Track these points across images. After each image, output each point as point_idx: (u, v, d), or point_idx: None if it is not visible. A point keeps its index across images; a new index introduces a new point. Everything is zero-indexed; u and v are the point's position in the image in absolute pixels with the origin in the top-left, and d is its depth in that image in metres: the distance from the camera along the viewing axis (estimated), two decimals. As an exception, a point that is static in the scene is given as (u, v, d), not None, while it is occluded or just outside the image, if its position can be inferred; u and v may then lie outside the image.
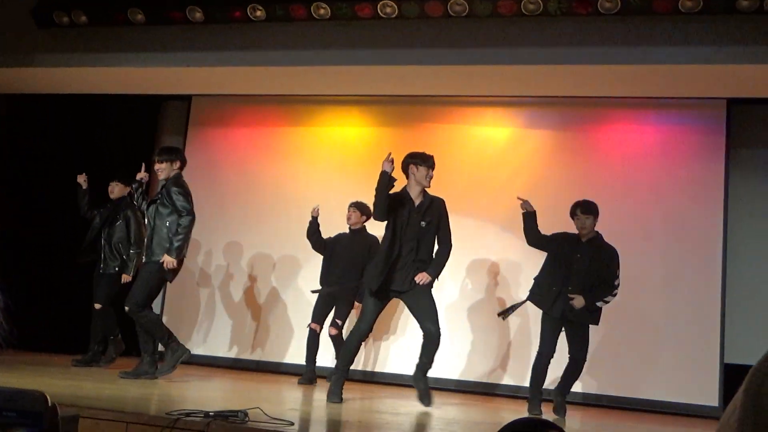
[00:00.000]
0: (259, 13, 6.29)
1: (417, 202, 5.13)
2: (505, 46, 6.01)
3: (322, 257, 6.55)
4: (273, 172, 7.66)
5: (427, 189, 5.18)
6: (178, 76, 6.97)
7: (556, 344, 5.37)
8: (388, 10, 6.03)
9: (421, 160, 5.13)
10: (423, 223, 5.08)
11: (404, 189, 5.17)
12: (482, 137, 7.26)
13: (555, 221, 6.78)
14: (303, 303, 7.26)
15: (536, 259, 6.81)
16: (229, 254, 7.66)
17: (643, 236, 6.60)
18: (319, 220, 6.39)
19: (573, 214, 5.46)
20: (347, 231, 6.48)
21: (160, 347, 5.71)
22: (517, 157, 7.15)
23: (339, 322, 6.34)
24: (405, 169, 5.16)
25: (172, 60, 6.68)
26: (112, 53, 6.75)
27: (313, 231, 6.39)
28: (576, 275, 5.30)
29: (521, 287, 6.84)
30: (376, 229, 6.20)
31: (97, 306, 6.38)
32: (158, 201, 5.57)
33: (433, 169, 5.13)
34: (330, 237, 6.50)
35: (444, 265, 5.17)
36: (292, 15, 6.25)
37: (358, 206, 6.34)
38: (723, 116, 6.67)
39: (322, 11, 6.14)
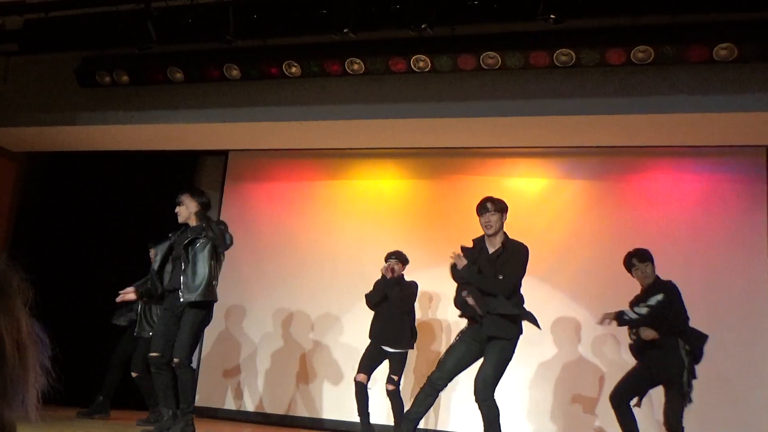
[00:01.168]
0: (294, 69, 6.40)
1: (491, 250, 4.90)
2: (538, 97, 6.02)
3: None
4: (308, 226, 7.68)
5: (496, 235, 4.91)
6: (215, 132, 7.10)
7: (634, 388, 5.17)
8: (421, 64, 6.10)
9: (477, 212, 4.92)
10: (495, 272, 4.74)
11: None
12: (517, 188, 7.21)
13: (591, 273, 6.70)
14: (340, 357, 7.20)
15: (572, 313, 6.71)
16: (265, 307, 7.64)
17: (684, 287, 6.41)
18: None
19: (630, 265, 5.29)
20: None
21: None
22: (553, 208, 7.09)
23: (395, 378, 5.90)
24: None
25: (209, 116, 6.81)
26: (151, 111, 6.92)
27: (381, 294, 6.02)
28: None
29: (557, 340, 6.71)
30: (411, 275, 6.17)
31: (135, 374, 6.34)
32: (199, 241, 5.15)
33: (486, 213, 4.84)
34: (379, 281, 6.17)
35: (483, 295, 4.65)
36: (326, 71, 6.35)
37: (400, 257, 6.13)
38: (763, 164, 6.56)
39: (356, 66, 6.23)
